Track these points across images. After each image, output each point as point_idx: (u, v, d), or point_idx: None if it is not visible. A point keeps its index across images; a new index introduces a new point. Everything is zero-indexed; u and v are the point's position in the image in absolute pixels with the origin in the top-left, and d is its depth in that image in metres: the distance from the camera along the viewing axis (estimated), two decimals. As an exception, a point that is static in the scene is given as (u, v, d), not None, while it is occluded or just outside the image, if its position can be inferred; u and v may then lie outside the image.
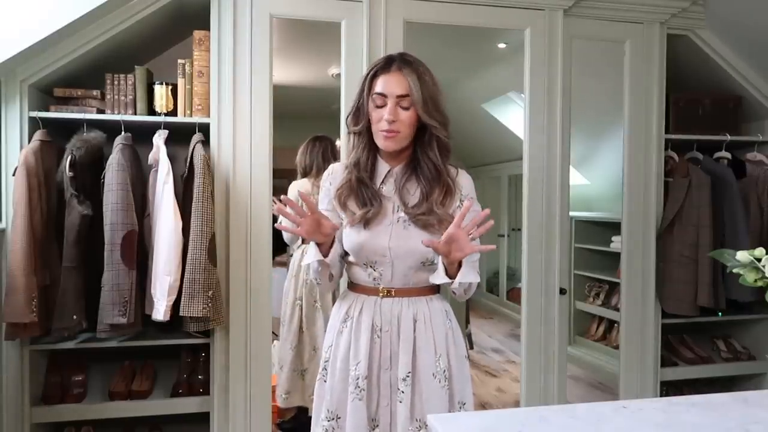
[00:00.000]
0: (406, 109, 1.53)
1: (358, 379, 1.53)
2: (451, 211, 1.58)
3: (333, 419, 1.58)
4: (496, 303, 4.37)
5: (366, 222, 1.55)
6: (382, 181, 1.61)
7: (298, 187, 3.02)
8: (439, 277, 1.52)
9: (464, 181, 1.64)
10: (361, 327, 1.57)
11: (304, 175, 3.08)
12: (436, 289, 1.64)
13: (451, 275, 1.51)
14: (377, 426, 1.54)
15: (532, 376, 2.70)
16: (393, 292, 1.57)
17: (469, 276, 1.53)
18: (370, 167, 1.60)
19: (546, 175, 2.67)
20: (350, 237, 1.57)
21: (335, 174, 1.65)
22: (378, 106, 1.54)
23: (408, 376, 1.52)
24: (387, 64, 1.55)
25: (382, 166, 1.62)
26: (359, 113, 1.60)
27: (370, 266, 1.58)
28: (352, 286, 1.65)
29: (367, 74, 1.58)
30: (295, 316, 2.99)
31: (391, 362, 1.55)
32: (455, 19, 2.57)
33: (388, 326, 1.56)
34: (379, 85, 1.54)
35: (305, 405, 2.97)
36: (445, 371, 1.55)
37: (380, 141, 1.56)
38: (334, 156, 2.91)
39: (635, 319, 2.81)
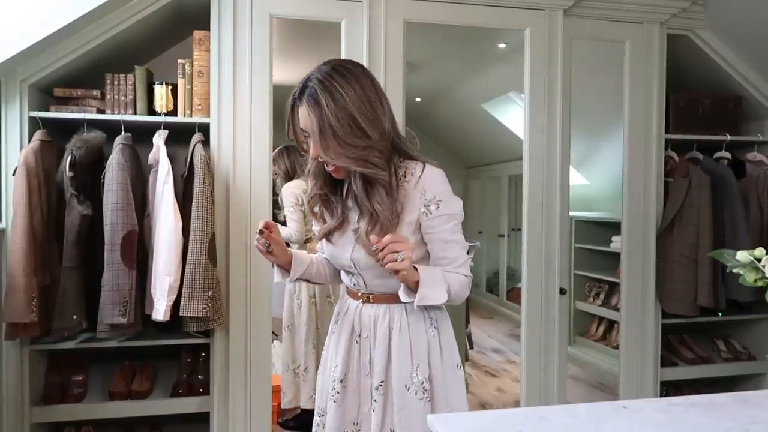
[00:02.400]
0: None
1: (334, 381, 1.52)
2: (411, 219, 1.43)
3: (321, 415, 1.59)
4: (496, 303, 4.37)
5: (327, 235, 1.52)
6: (347, 192, 1.51)
7: (293, 188, 3.02)
8: (404, 295, 1.42)
9: (429, 181, 1.43)
10: (343, 331, 1.55)
11: (290, 178, 3.08)
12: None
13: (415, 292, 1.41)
14: (359, 430, 1.51)
15: (532, 376, 2.70)
16: (372, 298, 1.52)
17: (430, 297, 1.39)
18: (330, 180, 1.50)
19: (546, 175, 2.67)
20: (326, 248, 1.57)
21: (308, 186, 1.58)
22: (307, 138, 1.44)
23: (381, 385, 1.47)
24: (298, 94, 1.41)
25: (344, 181, 1.52)
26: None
27: (350, 271, 1.54)
28: (345, 290, 1.63)
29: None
30: (313, 315, 3.00)
31: (370, 369, 1.51)
32: (455, 19, 2.57)
33: (366, 332, 1.52)
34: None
35: None
36: (423, 383, 1.46)
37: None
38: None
39: (635, 319, 2.81)
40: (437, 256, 1.46)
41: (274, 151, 2.93)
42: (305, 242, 3.02)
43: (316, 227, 1.59)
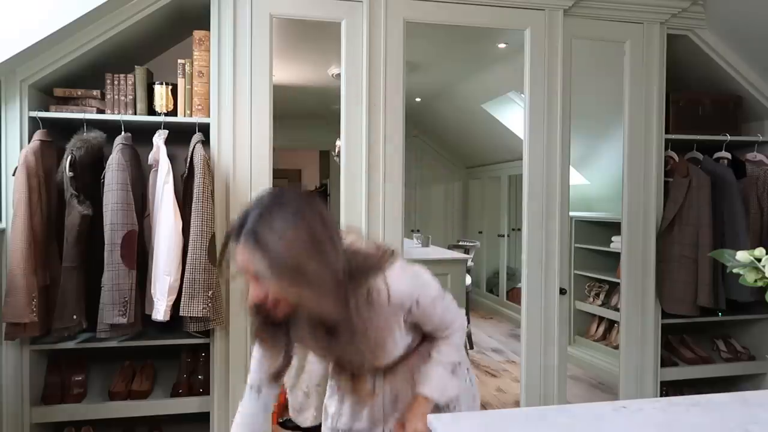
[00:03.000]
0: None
1: None
2: (396, 326, 1.36)
3: None
4: (496, 303, 4.37)
5: (279, 376, 1.43)
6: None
7: None
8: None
9: (399, 292, 1.31)
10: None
11: None
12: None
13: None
14: None
15: (532, 376, 2.70)
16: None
17: (448, 392, 1.41)
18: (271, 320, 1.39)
19: (546, 175, 2.67)
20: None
21: None
22: None
23: None
24: (236, 231, 1.19)
25: None
26: None
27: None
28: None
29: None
30: None
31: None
32: (455, 19, 2.57)
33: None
34: None
35: None
36: None
37: None
38: None
39: (635, 319, 2.81)
40: (435, 330, 1.43)
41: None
42: None
43: None
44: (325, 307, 1.21)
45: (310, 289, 1.17)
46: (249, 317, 1.34)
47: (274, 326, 1.32)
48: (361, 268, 1.27)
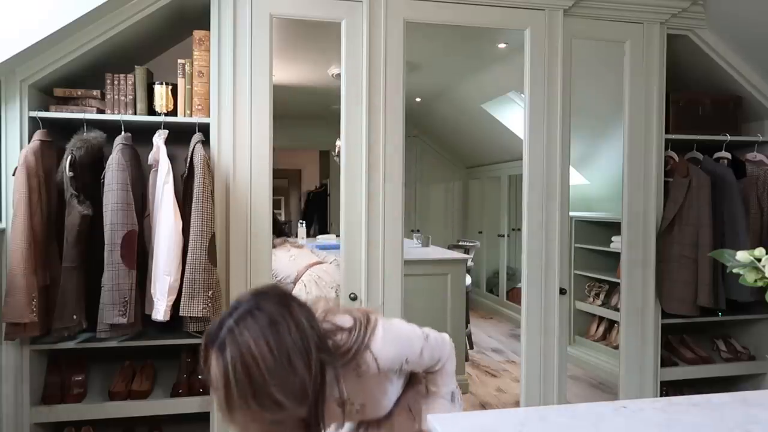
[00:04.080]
0: None
1: None
2: (392, 386, 1.42)
3: None
4: (496, 303, 4.37)
5: None
6: None
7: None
8: None
9: (387, 360, 1.32)
10: None
11: None
12: None
13: None
14: None
15: (532, 376, 2.70)
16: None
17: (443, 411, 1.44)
18: None
19: (546, 175, 2.67)
20: None
21: None
22: None
23: None
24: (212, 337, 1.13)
25: None
26: None
27: None
28: None
29: None
30: None
31: None
32: (455, 19, 2.57)
33: None
34: None
35: None
36: None
37: None
38: None
39: (635, 319, 2.81)
40: (427, 369, 1.46)
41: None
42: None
43: None
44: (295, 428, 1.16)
45: (275, 410, 1.09)
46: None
47: None
48: (344, 352, 1.25)
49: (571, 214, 2.76)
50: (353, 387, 1.30)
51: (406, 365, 1.37)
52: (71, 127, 2.32)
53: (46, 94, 2.39)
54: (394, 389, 1.43)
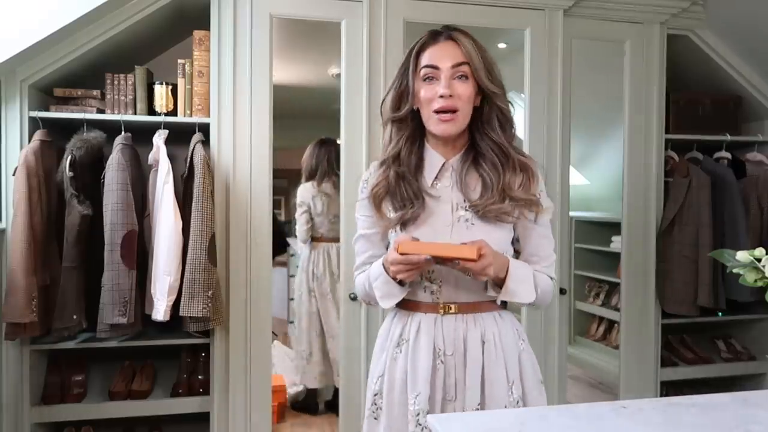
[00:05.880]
0: (464, 78, 1.31)
1: (418, 415, 1.28)
2: (537, 193, 1.36)
3: None
4: (496, 303, 4.36)
5: (404, 225, 1.32)
6: (436, 177, 1.36)
7: (301, 191, 3.15)
8: (489, 288, 1.32)
9: (536, 165, 1.41)
10: (421, 352, 1.32)
11: (309, 178, 3.16)
12: (504, 303, 1.40)
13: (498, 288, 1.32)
14: None
15: (532, 376, 2.69)
16: (456, 308, 1.33)
17: (518, 294, 1.31)
18: (416, 160, 1.36)
19: (546, 175, 2.67)
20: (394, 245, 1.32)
21: (374, 172, 1.41)
22: (428, 82, 1.32)
23: (477, 409, 1.29)
24: (433, 37, 1.35)
25: (434, 158, 1.37)
26: (402, 96, 1.35)
27: (427, 279, 1.34)
28: (405, 303, 1.37)
29: (411, 51, 1.37)
30: (313, 307, 3.11)
31: (456, 392, 1.31)
32: (455, 19, 2.56)
33: (452, 349, 1.31)
34: (428, 58, 1.32)
35: (332, 383, 3.13)
36: (518, 402, 1.32)
37: (436, 126, 1.32)
38: (338, 161, 2.95)
39: (635, 319, 2.81)
40: (530, 253, 1.41)
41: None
42: (312, 241, 3.14)
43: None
44: (504, 102, 1.36)
45: (499, 84, 1.35)
46: (385, 167, 1.37)
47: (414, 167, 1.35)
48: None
49: (571, 214, 2.76)
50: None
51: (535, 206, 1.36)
52: (71, 127, 2.32)
53: (46, 94, 2.39)
54: (507, 234, 1.37)
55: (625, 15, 2.73)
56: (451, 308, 1.34)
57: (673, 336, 3.15)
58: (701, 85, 3.08)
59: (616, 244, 3.04)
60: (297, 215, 3.15)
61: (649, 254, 2.81)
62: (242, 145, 2.41)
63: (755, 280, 1.22)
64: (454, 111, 1.30)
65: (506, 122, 1.38)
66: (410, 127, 1.36)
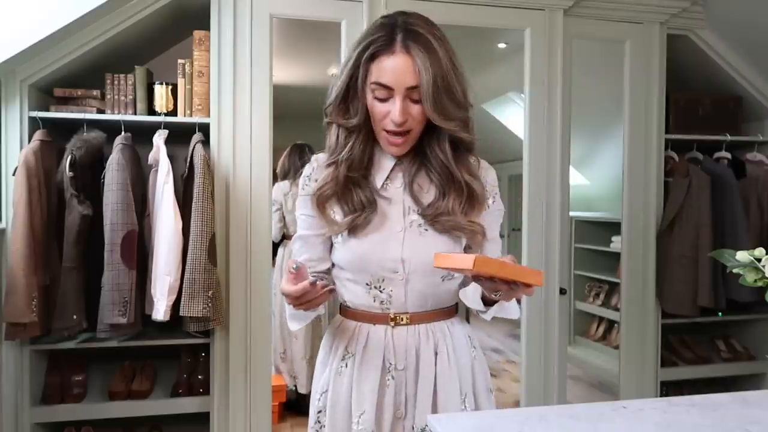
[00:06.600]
0: (418, 102, 1.17)
1: None
2: (480, 218, 1.26)
3: None
4: (496, 303, 4.36)
5: (353, 230, 1.21)
6: (387, 177, 1.26)
7: (275, 190, 3.14)
8: (476, 303, 1.22)
9: (490, 175, 1.32)
10: (369, 366, 1.22)
11: (284, 177, 3.25)
12: (455, 310, 1.33)
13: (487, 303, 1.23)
14: None
15: (532, 376, 2.69)
16: (408, 319, 1.24)
17: (509, 310, 1.26)
18: (366, 162, 1.25)
19: (546, 175, 2.67)
20: (346, 249, 1.23)
21: (319, 168, 1.28)
22: (380, 100, 1.18)
23: (426, 426, 1.20)
24: (388, 44, 1.16)
25: (385, 159, 1.27)
26: (350, 105, 1.22)
27: (375, 286, 1.23)
28: (351, 312, 1.28)
29: (362, 52, 1.19)
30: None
31: (406, 408, 1.23)
32: (455, 19, 2.57)
33: (403, 363, 1.22)
34: (381, 73, 1.16)
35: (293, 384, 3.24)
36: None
37: (385, 145, 1.22)
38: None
39: (635, 319, 2.81)
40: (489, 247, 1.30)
41: (279, 149, 3.06)
42: (282, 239, 3.18)
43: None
44: (470, 126, 1.25)
45: (456, 107, 1.19)
46: (334, 168, 1.24)
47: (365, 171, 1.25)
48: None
49: (571, 214, 2.76)
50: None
51: (492, 202, 1.29)
52: (71, 127, 2.32)
53: (46, 94, 2.39)
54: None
55: (625, 15, 2.73)
56: (402, 319, 1.24)
57: (673, 336, 3.15)
58: (701, 85, 3.08)
59: (616, 244, 3.04)
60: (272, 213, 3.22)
61: (649, 254, 2.81)
62: (242, 145, 2.41)
63: (755, 280, 1.22)
64: (407, 132, 1.19)
65: (460, 142, 1.24)
66: (361, 131, 1.23)
